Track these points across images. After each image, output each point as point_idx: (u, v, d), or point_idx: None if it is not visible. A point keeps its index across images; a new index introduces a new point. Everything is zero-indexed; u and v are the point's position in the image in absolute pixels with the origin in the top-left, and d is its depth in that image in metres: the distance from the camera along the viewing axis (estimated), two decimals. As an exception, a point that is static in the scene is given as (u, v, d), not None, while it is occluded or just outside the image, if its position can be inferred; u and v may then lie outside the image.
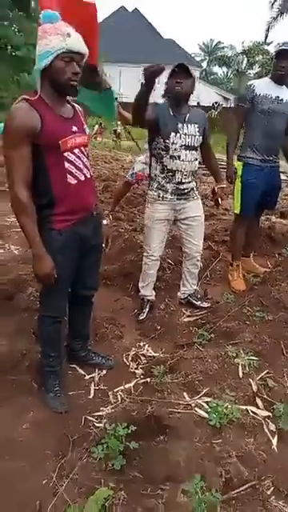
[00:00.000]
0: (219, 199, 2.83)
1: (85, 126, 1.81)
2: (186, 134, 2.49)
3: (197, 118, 2.54)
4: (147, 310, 2.89)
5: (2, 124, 1.66)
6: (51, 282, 1.75)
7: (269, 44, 32.04)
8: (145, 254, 2.84)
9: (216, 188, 2.81)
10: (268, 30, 14.98)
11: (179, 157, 2.52)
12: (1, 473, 1.61)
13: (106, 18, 31.00)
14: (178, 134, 2.47)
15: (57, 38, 1.54)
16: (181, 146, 2.50)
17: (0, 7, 16.15)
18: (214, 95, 23.54)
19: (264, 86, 2.89)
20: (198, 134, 2.54)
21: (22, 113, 1.56)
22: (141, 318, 2.83)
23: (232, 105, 26.56)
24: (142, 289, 2.92)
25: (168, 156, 2.52)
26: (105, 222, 2.12)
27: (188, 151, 2.53)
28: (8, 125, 1.56)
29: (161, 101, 2.53)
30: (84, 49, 1.62)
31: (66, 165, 1.69)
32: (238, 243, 3.34)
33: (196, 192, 2.74)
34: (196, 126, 2.53)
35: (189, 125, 2.50)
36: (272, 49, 32.67)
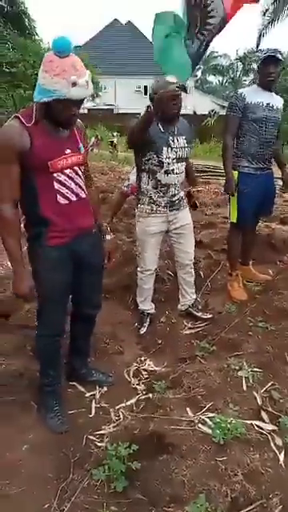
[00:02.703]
0: (196, 202, 2.90)
1: (80, 145, 1.76)
2: (176, 147, 2.50)
3: (184, 130, 2.55)
4: (147, 323, 2.85)
5: None
6: (30, 300, 1.77)
7: (262, 51, 32.40)
8: (139, 268, 2.80)
9: (192, 191, 2.85)
10: (260, 38, 15.15)
11: (173, 170, 2.52)
12: (0, 497, 1.56)
13: (100, 31, 31.45)
14: (170, 148, 2.48)
15: (62, 83, 1.48)
16: (173, 160, 2.50)
17: (-6, 26, 16.29)
18: (210, 103, 23.72)
19: (254, 94, 2.88)
20: (186, 145, 2.55)
21: (11, 131, 1.56)
22: (141, 332, 2.79)
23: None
24: (141, 303, 2.89)
25: (163, 171, 2.50)
26: (108, 237, 2.10)
27: (180, 163, 2.54)
28: None
29: None
30: (87, 94, 1.57)
31: (56, 186, 1.67)
32: (235, 252, 3.31)
33: (184, 201, 2.74)
34: (183, 137, 2.53)
35: (178, 137, 2.50)
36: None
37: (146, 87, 28.65)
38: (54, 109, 1.56)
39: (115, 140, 16.06)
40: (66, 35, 1.48)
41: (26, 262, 1.75)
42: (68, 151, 1.68)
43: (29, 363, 2.24)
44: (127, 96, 27.12)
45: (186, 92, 2.39)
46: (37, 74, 1.84)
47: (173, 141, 2.48)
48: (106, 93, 20.51)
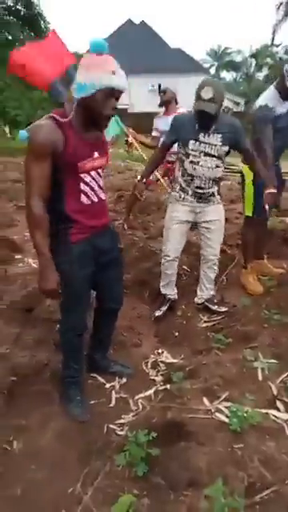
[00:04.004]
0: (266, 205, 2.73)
1: (107, 149, 1.85)
2: (205, 143, 2.53)
3: (224, 129, 2.53)
4: (165, 308, 2.92)
5: (23, 132, 1.71)
6: (56, 297, 1.76)
7: (277, 46, 31.99)
8: (162, 254, 2.91)
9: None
10: (274, 33, 15.04)
11: (198, 162, 2.58)
12: (27, 482, 1.64)
13: (114, 31, 31.55)
14: (198, 142, 2.53)
15: (104, 73, 1.56)
16: (200, 153, 2.55)
17: (11, 29, 16.68)
18: (224, 100, 23.54)
19: (279, 105, 2.88)
20: (220, 143, 2.54)
21: (47, 130, 1.59)
22: (156, 314, 2.87)
23: (242, 109, 26.48)
24: (163, 288, 2.97)
25: (188, 161, 2.60)
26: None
27: (208, 157, 2.57)
28: (32, 139, 1.59)
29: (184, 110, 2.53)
30: (126, 84, 1.66)
31: (82, 186, 1.74)
32: (250, 246, 3.34)
33: (217, 197, 2.77)
34: (220, 136, 2.53)
35: (213, 135, 2.53)
36: (280, 50, 32.65)
37: (159, 86, 28.63)
38: (97, 103, 1.60)
39: (130, 139, 16.09)
40: (99, 38, 1.60)
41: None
42: (96, 154, 1.75)
43: (52, 355, 2.31)
44: (141, 95, 27.13)
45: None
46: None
47: (204, 136, 2.53)
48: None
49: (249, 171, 3.03)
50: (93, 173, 1.77)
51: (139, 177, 2.93)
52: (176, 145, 2.70)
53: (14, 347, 2.40)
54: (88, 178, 1.75)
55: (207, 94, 2.34)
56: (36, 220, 1.64)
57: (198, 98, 2.38)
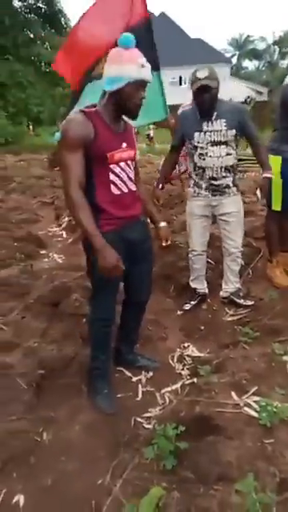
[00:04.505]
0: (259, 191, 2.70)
1: (135, 142, 1.91)
2: (211, 131, 2.52)
3: (227, 113, 2.52)
4: (195, 302, 2.94)
5: (58, 133, 1.81)
6: (120, 273, 1.74)
7: (301, 32, 31.05)
8: (189, 249, 2.92)
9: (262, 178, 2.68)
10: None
11: (207, 154, 2.57)
12: (58, 473, 1.67)
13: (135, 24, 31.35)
14: (202, 133, 2.53)
15: (132, 66, 1.65)
16: (207, 144, 2.54)
17: (33, 27, 16.87)
18: (246, 90, 23.08)
19: None
20: (225, 128, 2.52)
21: (78, 122, 1.69)
22: (185, 307, 2.89)
23: (266, 98, 25.87)
24: (192, 282, 2.98)
25: (197, 154, 2.60)
26: (163, 224, 2.16)
27: (216, 147, 2.55)
28: (65, 132, 1.68)
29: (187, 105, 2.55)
30: (151, 78, 1.75)
31: (111, 176, 1.79)
32: (274, 239, 3.25)
33: (234, 188, 2.71)
34: (224, 120, 2.51)
35: (216, 121, 2.51)
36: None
37: (180, 78, 28.34)
38: (127, 95, 1.69)
39: (151, 133, 16.03)
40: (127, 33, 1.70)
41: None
42: (124, 145, 1.81)
43: (79, 349, 2.34)
44: (164, 86, 26.92)
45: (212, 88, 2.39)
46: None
47: (207, 125, 2.51)
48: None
49: (276, 162, 2.94)
50: (122, 164, 1.81)
51: (155, 183, 2.91)
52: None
53: (41, 341, 2.45)
54: (117, 169, 1.80)
55: (203, 73, 2.36)
56: (79, 205, 1.68)
57: (195, 79, 2.38)
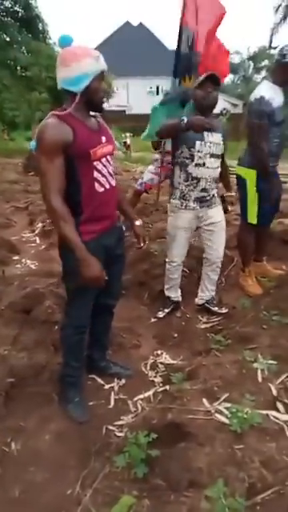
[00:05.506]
0: (228, 206, 2.91)
1: (112, 136, 1.89)
2: (211, 142, 2.53)
3: (219, 127, 2.58)
4: (168, 310, 2.95)
5: (33, 142, 1.74)
6: (102, 283, 1.75)
7: (275, 48, 32.09)
8: (167, 259, 2.91)
9: (225, 195, 2.86)
10: (272, 35, 15.12)
11: (204, 164, 2.56)
12: (26, 484, 1.64)
13: (113, 33, 31.64)
14: (203, 142, 2.52)
15: (91, 60, 1.62)
16: (206, 154, 2.54)
17: (9, 31, 16.69)
18: (222, 102, 23.61)
19: (276, 97, 2.76)
20: (221, 142, 2.58)
21: (53, 127, 1.63)
22: (159, 315, 2.90)
23: (241, 111, 26.54)
24: (167, 290, 2.99)
25: (193, 164, 2.56)
26: (138, 222, 2.16)
27: (213, 159, 2.57)
28: (41, 139, 1.62)
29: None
30: (106, 66, 1.73)
31: (95, 174, 1.76)
32: (248, 250, 3.29)
33: (217, 198, 2.77)
34: (220, 135, 2.57)
35: (213, 133, 2.53)
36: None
37: (157, 87, 28.69)
38: (92, 90, 1.66)
39: (128, 141, 16.11)
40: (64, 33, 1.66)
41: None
42: (104, 139, 1.79)
43: (50, 357, 2.31)
44: (140, 97, 27.21)
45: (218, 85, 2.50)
46: (50, 77, 1.94)
47: (207, 135, 2.51)
48: (119, 94, 20.64)
49: (251, 176, 2.97)
50: (103, 160, 1.79)
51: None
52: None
53: (12, 349, 2.39)
54: (100, 166, 1.78)
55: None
56: (60, 214, 1.65)
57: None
